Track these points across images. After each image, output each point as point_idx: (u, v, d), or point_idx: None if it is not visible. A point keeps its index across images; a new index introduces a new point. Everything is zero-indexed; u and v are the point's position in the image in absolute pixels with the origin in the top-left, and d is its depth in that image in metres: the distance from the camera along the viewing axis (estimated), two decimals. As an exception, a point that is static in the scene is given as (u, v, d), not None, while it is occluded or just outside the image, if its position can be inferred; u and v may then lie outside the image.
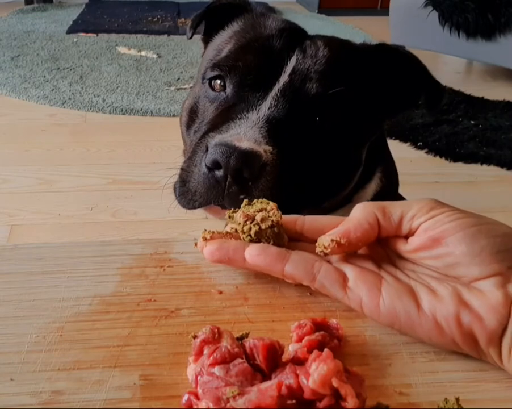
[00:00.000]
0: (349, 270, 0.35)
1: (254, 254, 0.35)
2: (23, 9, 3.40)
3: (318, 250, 0.35)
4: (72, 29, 2.97)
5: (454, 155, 1.76)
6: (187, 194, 0.52)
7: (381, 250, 0.37)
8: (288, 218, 0.38)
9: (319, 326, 0.32)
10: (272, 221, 0.36)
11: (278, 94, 0.54)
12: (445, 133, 1.90)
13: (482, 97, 2.22)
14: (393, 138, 1.83)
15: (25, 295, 0.35)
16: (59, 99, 2.06)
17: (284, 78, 0.55)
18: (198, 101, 0.61)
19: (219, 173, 0.48)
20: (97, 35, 2.91)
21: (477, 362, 0.31)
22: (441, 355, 0.32)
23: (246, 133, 0.49)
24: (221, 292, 0.36)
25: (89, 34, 2.91)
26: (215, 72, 0.58)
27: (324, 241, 0.34)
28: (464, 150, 1.79)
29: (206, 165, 0.49)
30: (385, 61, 0.61)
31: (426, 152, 1.79)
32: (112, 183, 1.51)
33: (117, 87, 2.20)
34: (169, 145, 1.69)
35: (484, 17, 2.19)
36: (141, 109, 2.00)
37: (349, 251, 0.36)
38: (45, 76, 2.27)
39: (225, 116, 0.54)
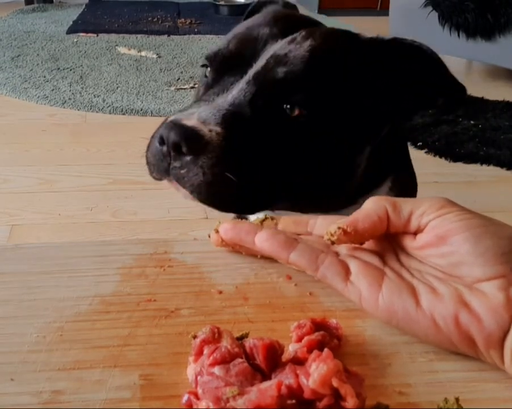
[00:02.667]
0: (353, 264, 0.35)
1: (263, 239, 0.36)
2: (23, 10, 3.40)
3: (325, 238, 0.35)
4: (73, 29, 2.97)
5: (454, 155, 1.76)
6: (149, 165, 0.54)
7: (388, 245, 0.37)
8: (301, 217, 0.39)
9: (318, 326, 0.32)
10: None
11: (251, 79, 0.53)
12: (445, 133, 1.90)
13: (482, 98, 2.22)
14: (393, 138, 1.83)
15: (25, 295, 0.35)
16: (59, 99, 2.06)
17: (261, 62, 0.53)
18: (197, 88, 0.63)
19: (164, 148, 0.50)
20: (97, 35, 2.91)
21: (477, 362, 0.31)
22: (441, 355, 0.32)
23: (200, 113, 0.50)
24: (221, 292, 0.36)
25: (89, 35, 2.91)
26: (204, 62, 0.59)
27: (331, 229, 0.35)
28: (464, 150, 1.79)
29: (157, 139, 0.51)
30: (396, 56, 0.57)
31: (426, 152, 1.79)
32: (112, 183, 1.51)
33: (117, 87, 2.20)
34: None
35: (484, 17, 2.19)
36: (141, 109, 2.00)
37: (356, 242, 0.36)
38: (45, 77, 2.27)
39: (198, 99, 0.55)
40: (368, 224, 0.34)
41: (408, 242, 0.35)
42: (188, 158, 0.49)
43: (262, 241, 0.37)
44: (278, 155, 0.53)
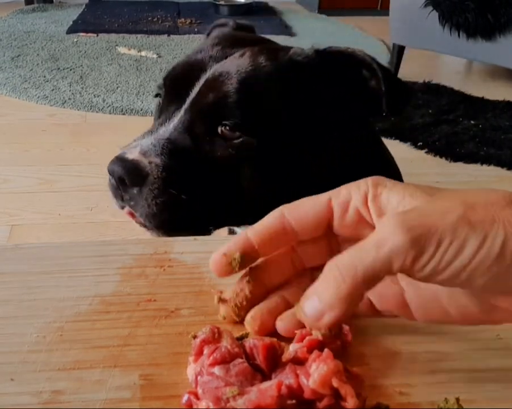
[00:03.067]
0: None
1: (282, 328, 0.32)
2: (23, 9, 3.40)
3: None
4: (73, 29, 2.97)
5: (454, 155, 1.76)
6: (111, 196, 0.57)
7: None
8: (268, 224, 0.31)
9: None
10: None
11: (188, 106, 0.55)
12: (445, 133, 1.90)
13: (482, 97, 2.22)
14: (393, 138, 1.83)
15: (25, 295, 0.35)
16: (59, 99, 2.06)
17: (196, 89, 0.55)
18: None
19: (112, 181, 0.54)
20: (97, 35, 2.91)
21: (477, 362, 0.31)
22: (441, 355, 0.32)
23: (142, 146, 0.53)
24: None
25: (89, 35, 2.91)
26: (156, 91, 0.62)
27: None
28: (464, 150, 1.79)
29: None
30: (332, 67, 0.56)
31: (426, 152, 1.79)
32: (112, 183, 1.51)
33: (117, 87, 2.20)
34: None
35: (484, 17, 2.19)
36: (141, 109, 2.00)
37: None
38: (45, 77, 2.27)
39: (146, 129, 0.58)
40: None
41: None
42: (134, 190, 0.52)
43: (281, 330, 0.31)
44: (222, 177, 0.54)
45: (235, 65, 0.54)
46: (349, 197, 0.30)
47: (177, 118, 0.55)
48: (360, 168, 0.61)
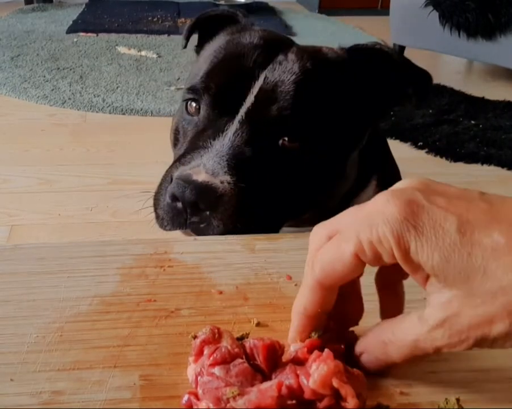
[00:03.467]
0: None
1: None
2: (23, 9, 3.40)
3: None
4: (72, 29, 2.97)
5: (454, 155, 1.76)
6: (159, 218, 0.54)
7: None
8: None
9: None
10: None
11: (243, 118, 0.53)
12: (446, 133, 1.90)
13: (483, 97, 2.22)
14: (393, 138, 1.82)
15: (25, 295, 0.35)
16: (59, 99, 2.06)
17: (250, 99, 0.54)
18: (179, 122, 0.62)
19: (179, 205, 0.50)
20: (97, 35, 2.91)
21: (477, 362, 0.31)
22: (442, 355, 0.32)
23: (205, 165, 0.51)
24: (221, 292, 0.36)
25: (89, 34, 2.90)
26: (190, 96, 0.58)
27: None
28: (465, 150, 1.79)
29: (168, 196, 0.51)
30: (361, 62, 0.58)
31: (426, 152, 1.79)
32: (112, 183, 1.51)
33: (117, 87, 2.19)
34: (169, 145, 1.69)
35: (484, 17, 2.19)
36: (141, 109, 2.00)
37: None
38: (45, 76, 2.27)
39: (193, 143, 0.55)
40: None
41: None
42: (206, 213, 0.50)
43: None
44: (280, 184, 0.54)
45: (287, 72, 0.54)
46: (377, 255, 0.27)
47: (232, 131, 0.53)
48: (364, 165, 0.62)
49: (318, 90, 0.55)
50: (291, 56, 0.56)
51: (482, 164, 1.72)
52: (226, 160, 0.51)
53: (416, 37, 2.46)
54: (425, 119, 1.98)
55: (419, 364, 0.31)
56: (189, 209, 0.50)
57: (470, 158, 1.75)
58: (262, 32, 0.61)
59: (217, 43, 0.63)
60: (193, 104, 0.58)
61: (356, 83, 0.58)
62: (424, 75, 0.59)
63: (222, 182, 0.50)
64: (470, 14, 2.21)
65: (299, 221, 0.60)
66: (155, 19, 3.28)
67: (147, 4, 3.61)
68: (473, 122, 1.99)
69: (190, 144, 0.56)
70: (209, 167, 0.50)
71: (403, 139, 1.85)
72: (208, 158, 0.51)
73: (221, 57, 0.58)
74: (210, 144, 0.53)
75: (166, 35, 2.98)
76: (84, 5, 3.56)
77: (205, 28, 0.69)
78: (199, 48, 0.70)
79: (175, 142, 0.63)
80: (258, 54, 0.56)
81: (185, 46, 0.73)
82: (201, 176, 0.49)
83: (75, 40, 2.80)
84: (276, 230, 0.57)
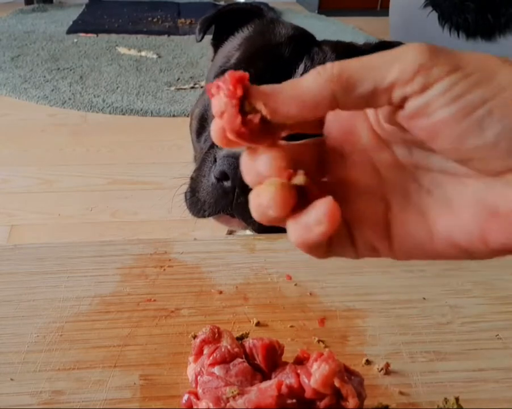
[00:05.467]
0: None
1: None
2: (23, 10, 3.40)
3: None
4: (72, 30, 2.97)
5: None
6: (197, 203, 0.53)
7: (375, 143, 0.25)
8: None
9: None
10: None
11: None
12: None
13: (482, 98, 2.22)
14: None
15: (25, 295, 0.35)
16: (59, 99, 2.06)
17: None
18: (208, 109, 0.61)
19: (227, 184, 0.49)
20: (97, 35, 2.91)
21: (477, 361, 0.31)
22: (441, 355, 0.32)
23: None
24: (221, 292, 0.36)
25: (89, 35, 2.91)
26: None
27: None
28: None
29: (214, 176, 0.50)
30: None
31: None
32: (112, 183, 1.51)
33: (117, 87, 2.19)
34: (169, 145, 1.69)
35: (484, 17, 2.19)
36: (141, 110, 2.00)
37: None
38: (45, 77, 2.27)
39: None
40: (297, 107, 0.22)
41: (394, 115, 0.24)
42: None
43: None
44: None
45: (325, 62, 0.55)
46: None
47: None
48: None
49: None
50: (325, 48, 0.57)
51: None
52: None
53: (415, 38, 2.46)
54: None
55: (419, 364, 0.31)
56: (238, 188, 0.48)
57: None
58: (292, 25, 0.62)
59: (245, 35, 0.63)
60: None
61: None
62: None
63: None
64: (469, 14, 2.21)
65: None
66: (155, 20, 3.28)
67: (147, 5, 3.61)
68: (472, 122, 2.00)
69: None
70: None
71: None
72: None
73: (257, 45, 0.59)
74: None
75: (166, 35, 2.98)
76: (84, 6, 3.57)
77: (225, 21, 0.68)
78: (217, 41, 0.70)
79: (200, 130, 0.63)
80: (295, 45, 0.57)
81: (201, 39, 0.72)
82: None
83: (75, 40, 2.80)
84: None
